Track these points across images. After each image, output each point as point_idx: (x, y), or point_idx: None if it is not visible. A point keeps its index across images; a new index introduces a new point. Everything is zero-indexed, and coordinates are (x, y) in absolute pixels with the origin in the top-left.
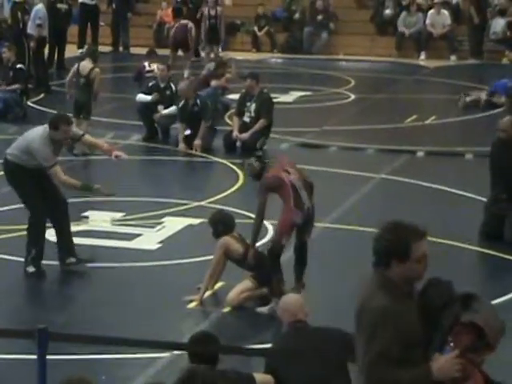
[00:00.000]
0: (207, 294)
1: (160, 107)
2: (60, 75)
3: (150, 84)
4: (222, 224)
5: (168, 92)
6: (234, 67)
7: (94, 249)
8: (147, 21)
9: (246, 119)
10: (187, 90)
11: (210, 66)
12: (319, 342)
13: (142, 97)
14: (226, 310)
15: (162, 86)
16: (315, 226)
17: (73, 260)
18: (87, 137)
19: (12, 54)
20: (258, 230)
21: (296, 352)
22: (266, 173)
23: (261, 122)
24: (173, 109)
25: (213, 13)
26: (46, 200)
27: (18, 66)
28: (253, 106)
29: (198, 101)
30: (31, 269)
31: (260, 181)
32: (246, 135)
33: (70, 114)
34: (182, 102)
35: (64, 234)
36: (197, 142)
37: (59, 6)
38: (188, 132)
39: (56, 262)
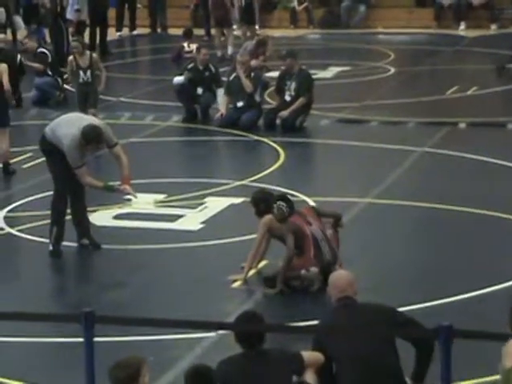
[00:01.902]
0: (251, 272)
1: (199, 89)
2: (103, 59)
3: (189, 66)
4: (263, 203)
5: (207, 73)
6: (271, 45)
7: (136, 231)
8: (184, 1)
9: (287, 98)
10: (247, 64)
11: (247, 44)
12: (367, 318)
13: (176, 79)
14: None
15: (202, 68)
16: (358, 202)
17: (86, 242)
18: (118, 148)
19: (33, 43)
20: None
21: (344, 328)
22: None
23: (300, 101)
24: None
25: None
26: (69, 180)
27: (40, 50)
28: (293, 85)
29: (253, 75)
30: (50, 247)
31: (283, 222)
32: (285, 113)
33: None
34: (234, 74)
35: (80, 215)
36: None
37: None
38: (240, 104)
39: (105, 246)
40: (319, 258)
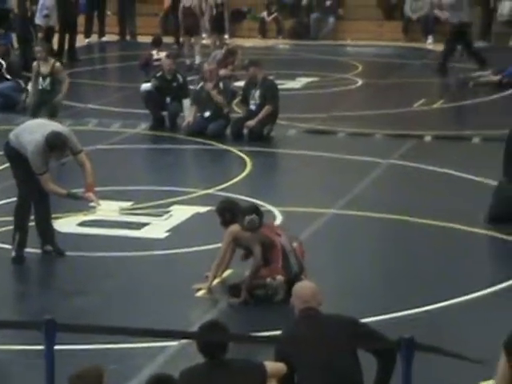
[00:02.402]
0: (216, 281)
1: (167, 99)
2: (71, 65)
3: (157, 74)
4: (229, 212)
5: (174, 84)
6: (240, 55)
7: (101, 238)
8: (154, 9)
9: (252, 107)
10: (214, 73)
11: (215, 54)
12: (330, 329)
13: (144, 86)
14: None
15: (169, 77)
16: (324, 212)
17: (50, 248)
18: (83, 155)
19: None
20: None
21: (307, 339)
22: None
23: (266, 109)
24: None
25: (219, 0)
26: (33, 187)
27: None
28: (257, 93)
29: (221, 84)
30: (12, 253)
31: (253, 233)
32: (252, 122)
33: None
34: (201, 83)
35: (44, 222)
36: (212, 126)
37: None
38: (207, 114)
39: (69, 253)
40: (287, 270)
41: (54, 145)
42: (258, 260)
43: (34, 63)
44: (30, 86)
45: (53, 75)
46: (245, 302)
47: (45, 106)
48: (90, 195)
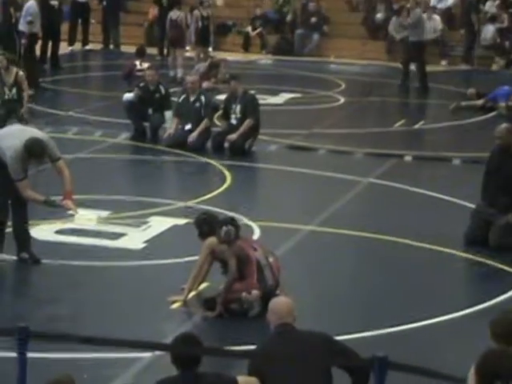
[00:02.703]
0: (191, 294)
1: (149, 110)
2: (54, 72)
3: (141, 85)
4: (207, 225)
5: (157, 95)
6: (223, 68)
7: (77, 247)
8: (138, 19)
9: (233, 121)
10: (196, 85)
11: (199, 66)
12: (304, 346)
13: (126, 96)
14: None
15: (152, 88)
16: (301, 229)
17: (26, 255)
18: (61, 162)
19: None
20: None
21: (281, 355)
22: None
23: (247, 122)
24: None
25: (205, 14)
26: (11, 193)
27: None
28: (238, 107)
29: (203, 97)
30: None
31: (229, 245)
32: (234, 136)
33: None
34: (183, 96)
35: (20, 227)
36: (194, 134)
37: (52, 2)
38: (188, 127)
39: (46, 260)
40: (262, 284)
41: (33, 151)
42: (233, 274)
43: None
44: None
45: (17, 84)
46: (220, 316)
47: (14, 114)
48: (68, 203)
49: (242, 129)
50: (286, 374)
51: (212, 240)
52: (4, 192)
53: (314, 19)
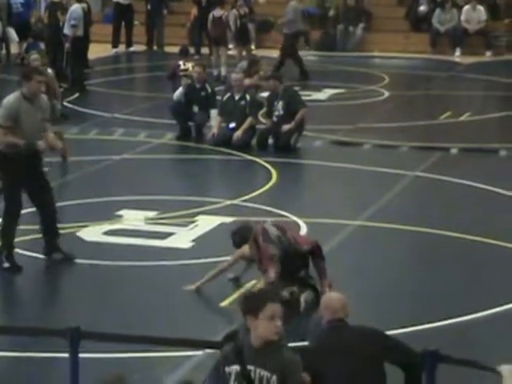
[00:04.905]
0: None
1: (195, 108)
2: (100, 75)
3: (187, 84)
4: (238, 236)
5: (203, 93)
6: (265, 65)
7: (126, 248)
8: (181, 19)
9: (274, 118)
10: (241, 82)
11: (241, 64)
12: (356, 342)
13: (177, 92)
14: None
15: (198, 86)
16: (349, 224)
17: (59, 256)
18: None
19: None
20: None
21: (333, 350)
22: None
23: (300, 113)
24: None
25: (242, 12)
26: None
27: None
28: (280, 104)
29: (248, 96)
30: (6, 264)
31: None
32: (287, 126)
33: None
34: (228, 94)
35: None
36: (239, 132)
37: (82, 5)
38: (233, 125)
39: (94, 261)
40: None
41: (30, 73)
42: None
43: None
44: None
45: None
46: None
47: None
48: (42, 144)
49: (294, 121)
50: (339, 369)
51: (244, 249)
52: (15, 183)
53: (355, 13)
